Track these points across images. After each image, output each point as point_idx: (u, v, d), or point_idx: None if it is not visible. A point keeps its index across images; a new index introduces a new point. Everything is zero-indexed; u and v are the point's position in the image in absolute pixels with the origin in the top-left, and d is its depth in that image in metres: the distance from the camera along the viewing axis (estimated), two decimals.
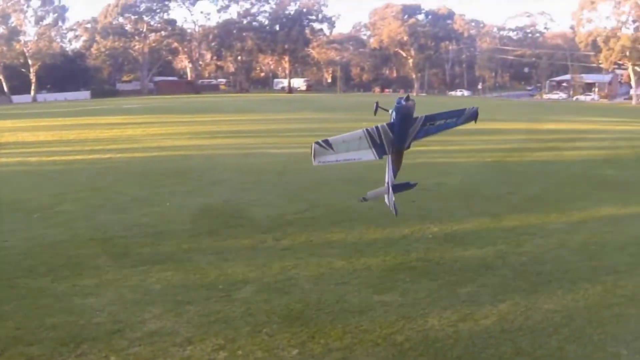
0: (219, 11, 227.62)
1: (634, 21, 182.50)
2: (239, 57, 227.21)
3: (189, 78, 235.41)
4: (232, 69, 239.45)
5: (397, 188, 13.85)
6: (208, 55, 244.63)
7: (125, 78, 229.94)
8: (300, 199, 20.38)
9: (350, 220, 17.11)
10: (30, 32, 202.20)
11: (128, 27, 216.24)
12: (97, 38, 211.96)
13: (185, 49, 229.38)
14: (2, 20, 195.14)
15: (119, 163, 30.82)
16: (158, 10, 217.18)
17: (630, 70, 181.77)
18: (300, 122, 58.65)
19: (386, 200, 13.72)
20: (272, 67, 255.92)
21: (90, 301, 11.40)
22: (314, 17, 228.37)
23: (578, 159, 33.50)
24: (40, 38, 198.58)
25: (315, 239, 15.21)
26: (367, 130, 12.48)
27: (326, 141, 12.47)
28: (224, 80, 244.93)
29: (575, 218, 18.11)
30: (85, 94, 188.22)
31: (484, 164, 29.99)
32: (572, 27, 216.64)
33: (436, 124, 12.83)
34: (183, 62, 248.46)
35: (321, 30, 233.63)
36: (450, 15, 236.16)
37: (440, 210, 18.60)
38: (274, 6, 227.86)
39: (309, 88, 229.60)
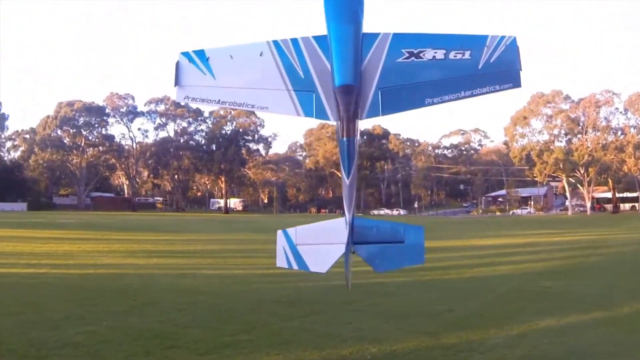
0: (156, 129, 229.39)
1: (565, 134, 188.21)
2: (176, 176, 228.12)
3: (126, 195, 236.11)
4: (169, 187, 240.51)
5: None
6: (145, 173, 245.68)
7: (62, 192, 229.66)
8: (237, 321, 20.11)
9: (287, 342, 16.85)
10: None
11: (66, 140, 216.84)
12: (36, 149, 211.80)
13: (123, 166, 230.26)
14: None
15: (54, 279, 30.29)
16: (96, 125, 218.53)
17: (564, 182, 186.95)
18: (237, 243, 58.83)
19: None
20: (208, 186, 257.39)
21: None
22: (250, 138, 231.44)
23: (515, 272, 34.18)
24: None
25: None
26: (274, 42, 8.90)
27: (204, 57, 8.94)
28: (160, 198, 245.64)
29: (515, 332, 18.18)
30: (21, 206, 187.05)
31: (422, 282, 29.93)
32: (505, 143, 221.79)
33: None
34: (120, 179, 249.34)
35: (257, 150, 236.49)
36: (386, 134, 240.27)
37: (378, 330, 18.40)
38: (210, 125, 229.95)
39: (245, 208, 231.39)
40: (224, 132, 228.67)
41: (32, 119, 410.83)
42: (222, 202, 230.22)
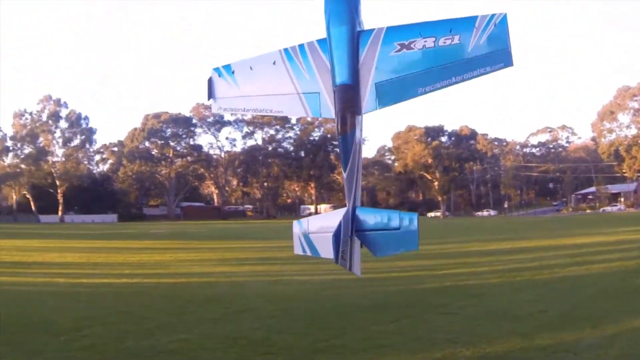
0: (244, 137, 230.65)
1: None
2: (265, 183, 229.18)
3: (216, 204, 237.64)
4: (258, 195, 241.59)
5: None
6: (234, 181, 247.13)
7: (152, 202, 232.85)
8: (330, 326, 20.07)
9: (380, 346, 16.78)
10: (58, 153, 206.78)
11: (154, 151, 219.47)
12: (124, 161, 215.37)
13: (212, 175, 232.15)
14: (30, 140, 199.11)
15: (147, 288, 30.72)
16: (184, 136, 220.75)
17: None
18: None
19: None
20: (298, 193, 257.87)
21: None
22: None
23: (608, 271, 33.23)
24: (67, 159, 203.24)
25: None
26: (284, 51, 9.44)
27: (230, 70, 9.62)
28: (250, 206, 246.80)
29: (609, 331, 17.75)
30: (112, 217, 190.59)
31: (513, 282, 29.62)
32: (593, 139, 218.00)
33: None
34: (210, 188, 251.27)
35: None
36: (473, 135, 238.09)
37: (470, 332, 18.21)
38: (298, 132, 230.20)
39: None
40: (312, 138, 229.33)
41: (120, 132, 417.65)
42: (312, 208, 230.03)
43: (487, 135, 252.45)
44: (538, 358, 14.97)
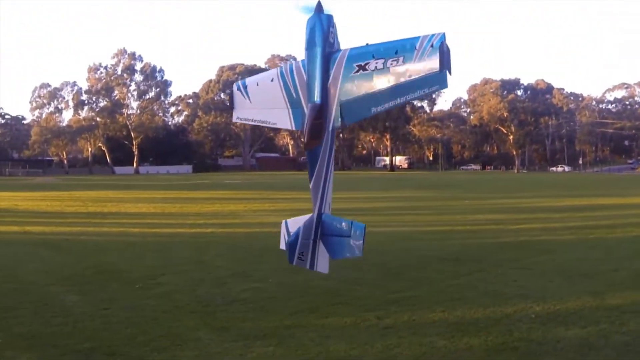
0: None
1: None
2: (341, 135, 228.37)
3: (291, 155, 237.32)
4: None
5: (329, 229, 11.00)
6: None
7: (227, 153, 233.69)
8: (403, 277, 20.27)
9: (453, 299, 16.83)
10: (133, 106, 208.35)
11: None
12: (199, 113, 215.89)
13: None
14: (105, 93, 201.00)
15: (220, 238, 31.18)
16: None
17: None
18: (402, 200, 59.10)
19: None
20: (373, 144, 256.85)
21: None
22: None
23: None
24: (143, 111, 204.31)
25: (417, 318, 15.03)
26: (280, 68, 10.30)
27: (245, 85, 10.50)
28: None
29: None
30: (187, 168, 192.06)
31: (586, 240, 29.39)
32: None
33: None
34: (285, 139, 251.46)
35: (422, 107, 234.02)
36: (549, 89, 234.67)
37: (542, 288, 18.16)
38: None
39: (411, 165, 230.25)
40: None
41: (195, 84, 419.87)
42: (387, 159, 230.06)
43: (563, 89, 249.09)
44: (608, 317, 14.79)
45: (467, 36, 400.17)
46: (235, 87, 9.97)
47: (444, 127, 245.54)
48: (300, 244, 9.13)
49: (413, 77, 7.96)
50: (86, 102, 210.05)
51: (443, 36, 7.75)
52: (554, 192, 72.21)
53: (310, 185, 9.82)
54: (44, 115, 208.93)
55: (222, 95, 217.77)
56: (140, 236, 30.98)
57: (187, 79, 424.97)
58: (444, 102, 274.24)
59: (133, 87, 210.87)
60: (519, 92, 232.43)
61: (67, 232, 34.01)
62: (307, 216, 9.59)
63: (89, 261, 23.84)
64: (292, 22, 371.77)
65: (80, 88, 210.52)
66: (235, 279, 20.13)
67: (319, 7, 9.19)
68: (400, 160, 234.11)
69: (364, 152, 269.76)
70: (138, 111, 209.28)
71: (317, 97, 8.82)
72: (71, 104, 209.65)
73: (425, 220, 38.42)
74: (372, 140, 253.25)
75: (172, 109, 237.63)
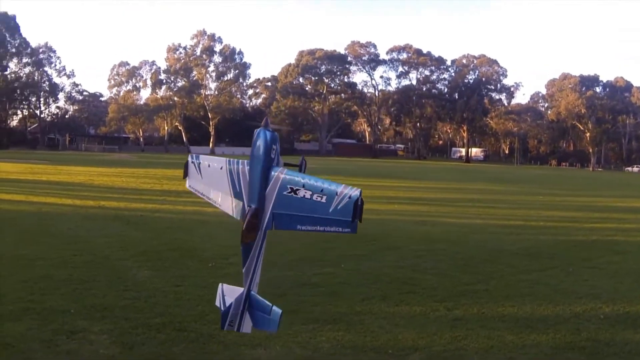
0: (398, 77, 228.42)
1: None
2: (418, 124, 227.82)
3: (367, 142, 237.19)
4: (410, 135, 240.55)
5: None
6: (387, 120, 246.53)
7: (303, 137, 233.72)
8: (474, 270, 20.12)
9: (523, 295, 16.74)
10: (211, 87, 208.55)
11: (308, 87, 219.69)
12: (277, 96, 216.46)
13: (365, 113, 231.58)
14: (184, 73, 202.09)
15: None
16: (338, 73, 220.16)
17: None
18: (476, 193, 58.64)
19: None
20: (450, 135, 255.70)
21: (259, 352, 11.65)
22: (492, 87, 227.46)
23: None
24: (220, 93, 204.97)
25: (487, 311, 14.95)
26: (229, 161, 10.57)
27: (199, 161, 10.89)
28: (402, 145, 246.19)
29: None
30: None
31: None
32: None
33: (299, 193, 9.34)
34: (362, 126, 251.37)
35: (500, 100, 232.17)
36: (628, 87, 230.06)
37: (613, 289, 17.94)
38: (453, 74, 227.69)
39: (486, 158, 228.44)
40: (466, 80, 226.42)
41: (274, 67, 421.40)
42: (463, 151, 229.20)
43: None
44: None
45: (548, 30, 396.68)
46: (190, 159, 10.68)
47: (521, 120, 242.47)
48: (231, 314, 9.53)
49: (332, 217, 8.83)
50: (164, 81, 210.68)
51: (360, 192, 8.62)
52: (628, 192, 71.33)
53: (243, 270, 9.81)
54: (121, 93, 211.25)
55: (301, 80, 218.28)
56: (214, 215, 31.11)
57: (266, 62, 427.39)
58: (522, 95, 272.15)
59: (212, 68, 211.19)
60: (598, 89, 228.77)
61: (141, 208, 34.58)
62: (238, 289, 9.82)
63: (162, 238, 24.19)
64: (372, 9, 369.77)
65: (159, 67, 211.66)
66: (307, 263, 20.23)
67: (265, 124, 9.96)
68: (476, 152, 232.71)
69: (440, 142, 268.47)
70: (216, 92, 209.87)
71: (256, 202, 9.59)
72: (149, 82, 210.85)
73: (499, 214, 38.33)
74: (449, 130, 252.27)
75: (250, 92, 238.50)
